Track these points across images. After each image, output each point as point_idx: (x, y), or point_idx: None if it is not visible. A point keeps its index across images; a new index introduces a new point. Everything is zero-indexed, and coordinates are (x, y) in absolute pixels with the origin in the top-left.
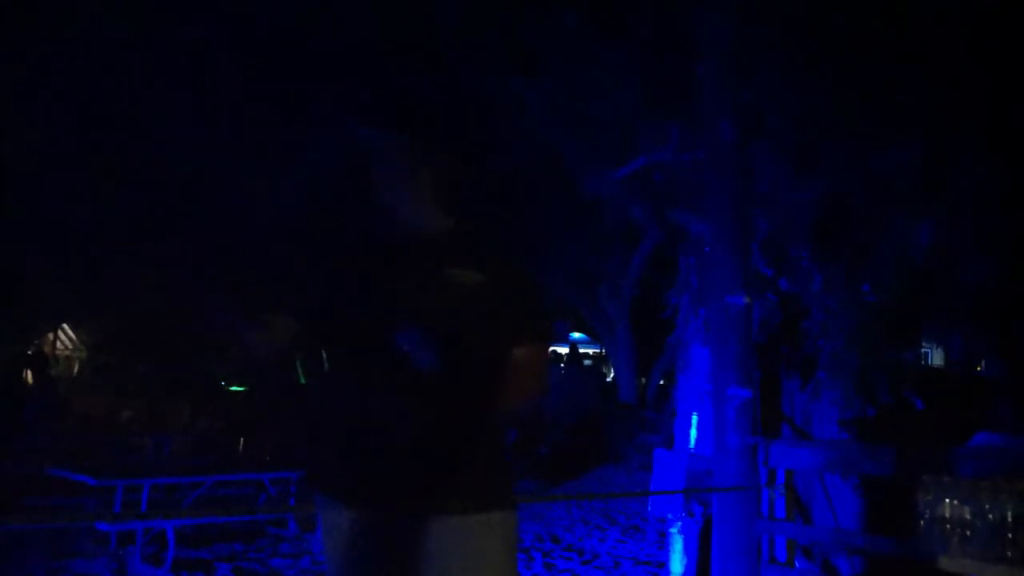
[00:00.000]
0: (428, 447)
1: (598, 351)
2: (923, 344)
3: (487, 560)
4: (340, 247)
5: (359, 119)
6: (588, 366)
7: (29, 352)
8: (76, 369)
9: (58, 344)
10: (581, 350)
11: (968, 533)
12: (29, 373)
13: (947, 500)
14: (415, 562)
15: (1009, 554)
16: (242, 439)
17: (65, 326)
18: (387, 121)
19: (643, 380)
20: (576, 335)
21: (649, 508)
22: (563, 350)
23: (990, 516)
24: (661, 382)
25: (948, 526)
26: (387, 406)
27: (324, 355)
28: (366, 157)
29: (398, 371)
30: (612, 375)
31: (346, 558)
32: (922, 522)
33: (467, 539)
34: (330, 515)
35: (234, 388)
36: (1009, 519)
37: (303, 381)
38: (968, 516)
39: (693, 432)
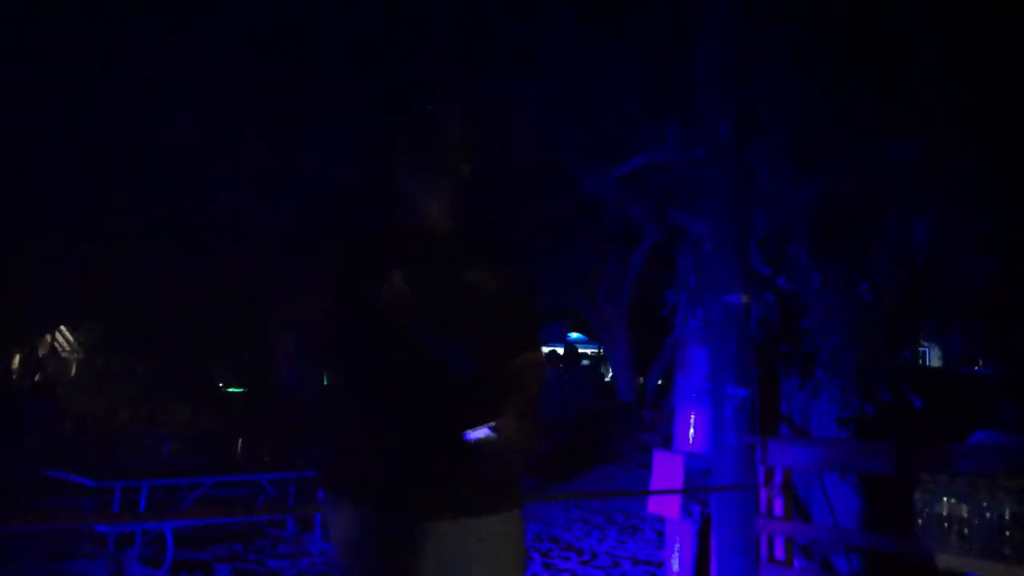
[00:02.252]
0: (442, 449)
1: (596, 351)
2: (921, 343)
3: (499, 561)
4: (357, 244)
5: (425, 97)
6: (586, 366)
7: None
8: (74, 371)
9: (55, 346)
10: (579, 350)
11: (966, 531)
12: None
13: (945, 498)
14: (427, 563)
15: (1007, 552)
16: (240, 440)
17: (63, 327)
18: (455, 99)
19: (641, 380)
20: (574, 335)
21: (648, 507)
22: (560, 350)
23: (988, 514)
24: (659, 381)
25: (946, 524)
26: (400, 407)
27: (327, 355)
28: (391, 147)
29: (417, 373)
30: (610, 375)
31: (356, 559)
32: (920, 520)
33: (479, 540)
34: (340, 515)
35: (232, 389)
36: (1007, 517)
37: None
38: (966, 514)
39: (691, 431)
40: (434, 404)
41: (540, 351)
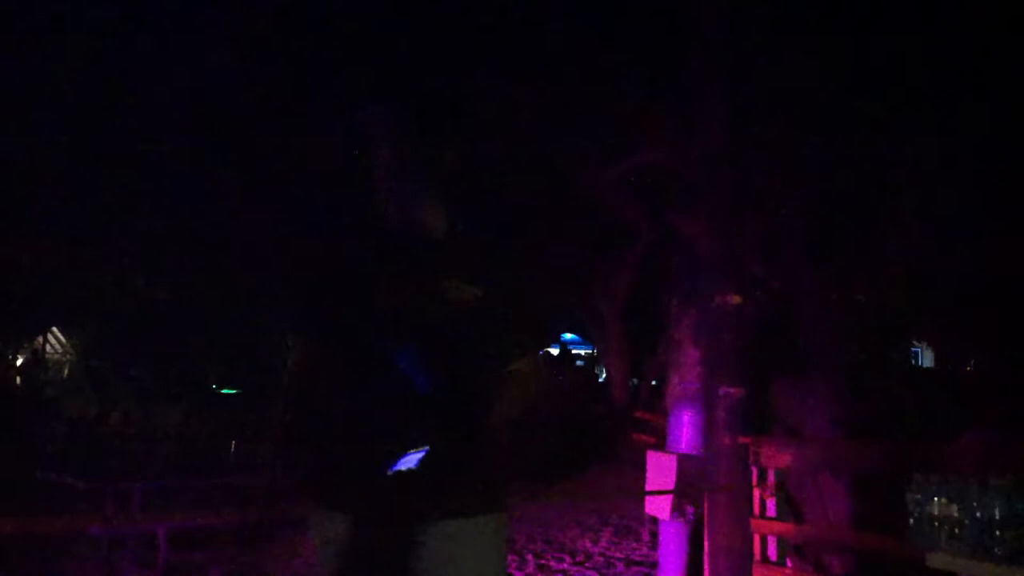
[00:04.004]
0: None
1: (590, 351)
2: (914, 343)
3: (478, 563)
4: (337, 251)
5: (374, 100)
6: (580, 367)
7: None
8: (66, 372)
9: (48, 348)
10: (573, 351)
11: (957, 531)
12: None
13: (937, 498)
14: (408, 566)
15: (998, 551)
16: (234, 442)
17: (55, 329)
18: (402, 102)
19: (635, 380)
20: (568, 336)
21: (645, 508)
22: (555, 351)
23: (979, 514)
24: (653, 382)
25: (938, 524)
26: (383, 414)
27: (316, 359)
28: (367, 153)
29: (395, 381)
30: (604, 375)
31: (340, 563)
32: (912, 520)
33: (458, 543)
34: (324, 521)
35: (226, 391)
36: (997, 517)
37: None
38: (957, 514)
39: (685, 432)
40: (403, 411)
41: (534, 357)
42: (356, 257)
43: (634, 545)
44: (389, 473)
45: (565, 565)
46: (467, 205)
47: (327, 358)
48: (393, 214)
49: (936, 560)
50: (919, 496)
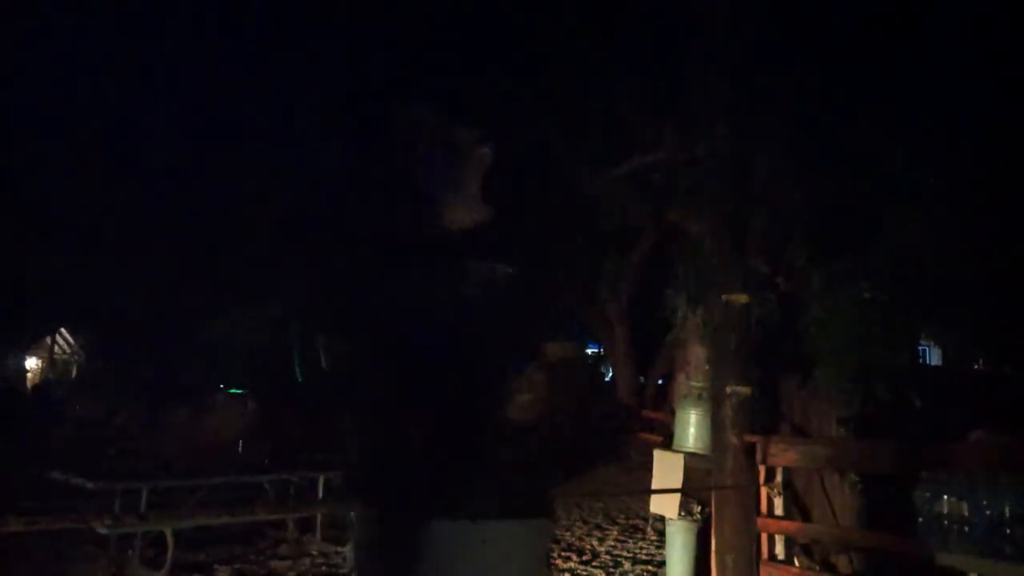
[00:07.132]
0: (461, 450)
1: (596, 351)
2: (921, 342)
3: (524, 565)
4: (372, 241)
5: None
6: (587, 366)
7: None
8: (74, 373)
9: (56, 349)
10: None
11: (966, 529)
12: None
13: (945, 496)
14: (445, 565)
15: (1006, 550)
16: (241, 441)
17: (63, 330)
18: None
19: (642, 379)
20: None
21: (649, 507)
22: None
23: (988, 512)
24: (660, 381)
25: (946, 522)
26: (415, 408)
27: (325, 353)
28: (413, 146)
29: (431, 370)
30: (610, 375)
31: (374, 561)
32: (920, 518)
33: (486, 542)
34: (362, 519)
35: (233, 391)
36: (1007, 515)
37: (301, 380)
38: (966, 512)
39: (692, 430)
40: (440, 406)
41: (558, 346)
42: (387, 250)
43: (641, 544)
44: (426, 466)
45: (572, 564)
46: (497, 196)
47: (367, 355)
48: (439, 205)
49: (945, 559)
50: (928, 494)
